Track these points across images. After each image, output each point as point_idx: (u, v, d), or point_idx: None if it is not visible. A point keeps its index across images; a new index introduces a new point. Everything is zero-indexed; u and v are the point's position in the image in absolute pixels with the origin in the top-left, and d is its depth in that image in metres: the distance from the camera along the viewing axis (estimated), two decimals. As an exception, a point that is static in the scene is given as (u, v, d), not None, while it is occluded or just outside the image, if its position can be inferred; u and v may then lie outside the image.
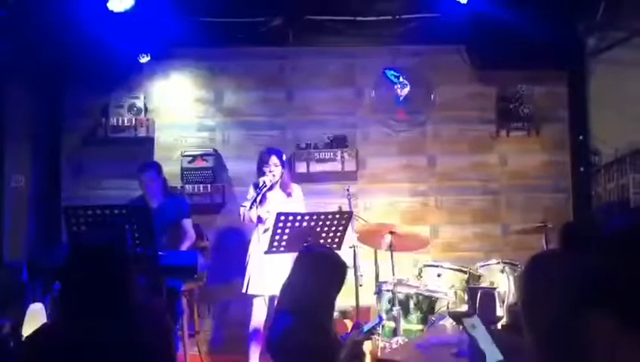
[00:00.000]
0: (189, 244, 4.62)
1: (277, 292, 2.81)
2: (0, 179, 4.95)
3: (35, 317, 3.54)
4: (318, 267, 2.69)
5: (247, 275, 4.41)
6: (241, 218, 4.46)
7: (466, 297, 4.09)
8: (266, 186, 4.33)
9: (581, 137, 5.46)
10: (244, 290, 4.40)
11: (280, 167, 4.46)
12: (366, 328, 2.56)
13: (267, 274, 4.20)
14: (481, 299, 3.58)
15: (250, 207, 4.31)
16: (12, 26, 4.51)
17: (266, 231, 4.32)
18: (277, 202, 4.45)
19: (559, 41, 5.05)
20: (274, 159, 4.44)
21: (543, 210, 5.40)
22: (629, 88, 5.00)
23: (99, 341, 1.91)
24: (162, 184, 4.79)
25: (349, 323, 4.06)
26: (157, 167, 4.80)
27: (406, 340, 3.84)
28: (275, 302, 2.99)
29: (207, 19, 5.14)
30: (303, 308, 2.55)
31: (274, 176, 4.42)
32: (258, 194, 4.30)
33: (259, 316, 4.42)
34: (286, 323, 2.51)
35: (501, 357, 2.01)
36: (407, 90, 5.37)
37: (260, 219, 4.42)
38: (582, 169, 5.45)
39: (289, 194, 4.53)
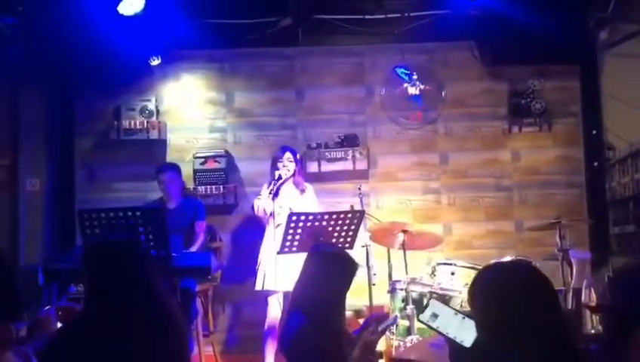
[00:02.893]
0: (197, 247, 4.65)
1: (291, 288, 2.82)
2: (15, 183, 5.00)
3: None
4: (328, 266, 2.68)
5: (261, 272, 4.43)
6: (255, 210, 4.50)
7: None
8: (281, 178, 4.39)
9: (594, 132, 5.40)
10: (259, 287, 4.41)
11: (294, 163, 4.53)
12: (380, 327, 2.55)
13: (281, 270, 4.21)
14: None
15: (274, 198, 4.32)
16: (23, 31, 4.55)
17: (278, 226, 4.35)
18: (290, 198, 4.49)
19: (570, 35, 4.99)
20: (288, 155, 4.54)
21: (556, 205, 5.35)
22: (642, 81, 4.93)
23: (126, 329, 1.98)
24: (181, 185, 4.86)
25: (362, 323, 4.05)
26: (177, 168, 4.90)
27: (420, 339, 3.83)
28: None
29: (216, 20, 5.16)
30: (314, 308, 2.55)
31: (288, 170, 4.48)
32: (275, 185, 4.34)
33: (274, 314, 4.43)
34: (298, 323, 2.52)
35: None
36: (419, 88, 5.34)
37: (272, 214, 4.45)
38: (596, 164, 5.38)
39: (302, 191, 4.57)
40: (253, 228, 4.97)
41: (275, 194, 4.38)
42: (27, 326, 2.35)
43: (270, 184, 4.43)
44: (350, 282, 2.68)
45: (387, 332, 3.60)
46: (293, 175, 4.55)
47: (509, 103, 5.51)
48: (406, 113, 5.47)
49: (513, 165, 5.53)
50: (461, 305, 4.02)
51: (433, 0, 5.19)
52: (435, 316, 1.87)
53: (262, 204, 4.43)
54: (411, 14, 5.26)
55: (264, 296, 4.45)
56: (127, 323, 1.97)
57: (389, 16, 5.28)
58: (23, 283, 4.56)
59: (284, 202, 4.45)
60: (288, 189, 4.53)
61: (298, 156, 4.66)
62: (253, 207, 4.55)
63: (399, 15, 5.27)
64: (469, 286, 1.74)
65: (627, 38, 5.01)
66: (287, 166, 4.50)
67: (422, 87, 5.38)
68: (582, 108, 5.52)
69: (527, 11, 4.61)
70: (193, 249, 4.61)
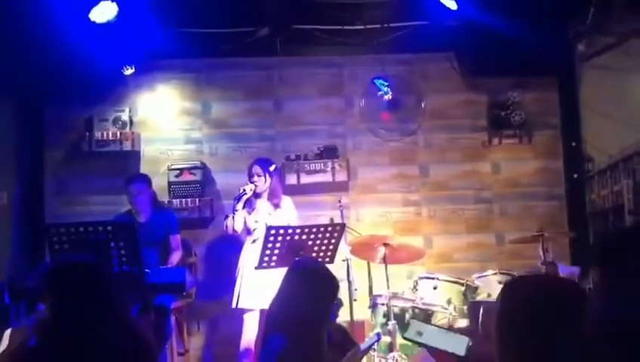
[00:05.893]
0: (176, 261, 4.50)
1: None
2: (-19, 197, 4.81)
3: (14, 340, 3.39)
4: (308, 281, 2.57)
5: (236, 289, 4.30)
6: (225, 228, 4.38)
7: (466, 310, 3.97)
8: (245, 194, 4.27)
9: (574, 144, 5.41)
10: (234, 305, 4.28)
11: (262, 178, 4.39)
12: (363, 346, 2.44)
13: (258, 287, 4.09)
14: (484, 315, 3.40)
15: (232, 216, 4.22)
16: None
17: (254, 241, 4.24)
18: (265, 212, 4.38)
19: (549, 47, 4.99)
20: (256, 169, 4.40)
21: (537, 217, 5.33)
22: (620, 93, 4.95)
23: (87, 355, 1.89)
24: (151, 197, 4.69)
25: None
26: (146, 179, 4.70)
27: (402, 356, 3.73)
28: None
29: (192, 29, 5.05)
30: (294, 327, 2.43)
31: (256, 186, 4.36)
32: (237, 202, 4.24)
33: (250, 333, 4.28)
34: (278, 344, 2.39)
35: (467, 338, 1.82)
36: (390, 93, 5.26)
37: (248, 230, 4.33)
38: (575, 176, 5.38)
39: (276, 205, 4.44)
40: (230, 243, 4.84)
41: (250, 208, 4.27)
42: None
43: (239, 199, 4.31)
44: (332, 298, 2.58)
45: (370, 351, 3.49)
46: (268, 187, 4.42)
47: (488, 115, 5.49)
48: (385, 124, 5.41)
49: (493, 177, 5.50)
50: (449, 320, 3.92)
51: (412, 11, 5.15)
52: (419, 333, 1.96)
53: (230, 223, 4.30)
54: (391, 25, 5.22)
55: (240, 313, 4.31)
56: (89, 349, 1.85)
57: (368, 26, 5.23)
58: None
59: (260, 217, 4.35)
60: (262, 204, 4.42)
61: (273, 167, 4.48)
62: (224, 224, 4.43)
63: (378, 26, 5.23)
64: (499, 302, 1.56)
65: (605, 51, 5.04)
66: (256, 181, 4.37)
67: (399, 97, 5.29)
68: (561, 120, 5.53)
69: (507, 23, 4.60)
70: (170, 264, 4.45)
